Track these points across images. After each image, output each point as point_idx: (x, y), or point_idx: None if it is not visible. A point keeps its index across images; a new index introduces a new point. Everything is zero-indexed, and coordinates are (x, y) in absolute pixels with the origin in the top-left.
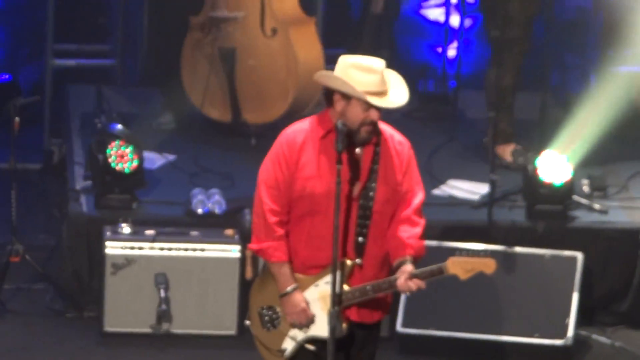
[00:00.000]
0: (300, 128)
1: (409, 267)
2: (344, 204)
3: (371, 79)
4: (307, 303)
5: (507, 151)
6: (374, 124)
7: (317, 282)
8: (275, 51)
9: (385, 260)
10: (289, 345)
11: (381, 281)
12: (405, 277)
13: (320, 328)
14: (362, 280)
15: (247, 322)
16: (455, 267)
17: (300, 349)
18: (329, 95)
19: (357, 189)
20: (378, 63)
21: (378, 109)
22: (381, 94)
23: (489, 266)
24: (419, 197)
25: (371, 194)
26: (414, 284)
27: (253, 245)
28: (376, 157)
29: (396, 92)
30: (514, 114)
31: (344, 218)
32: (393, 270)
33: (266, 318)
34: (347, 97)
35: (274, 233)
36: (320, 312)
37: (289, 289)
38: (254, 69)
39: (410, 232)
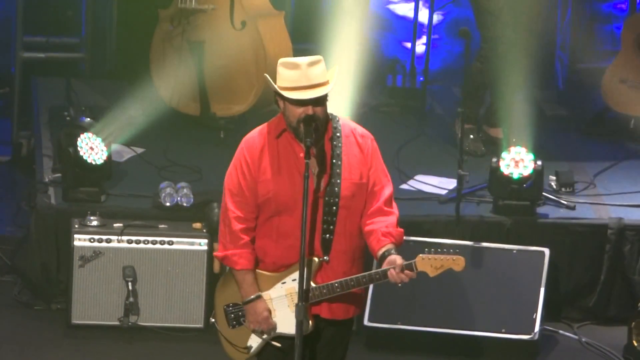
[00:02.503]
0: (259, 132)
1: (399, 259)
2: (310, 201)
3: (292, 75)
4: (270, 311)
5: (499, 132)
6: (316, 120)
7: (284, 280)
8: (244, 44)
9: (355, 256)
10: (254, 343)
11: (368, 274)
12: (398, 270)
13: (287, 325)
14: (332, 277)
15: (212, 320)
16: (424, 264)
17: (266, 345)
18: (275, 97)
19: (321, 185)
20: (305, 59)
21: (318, 104)
22: (304, 88)
23: (458, 264)
24: (388, 189)
25: (336, 189)
26: (406, 276)
27: (218, 254)
28: (334, 152)
29: (321, 86)
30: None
31: (311, 215)
32: (379, 262)
33: (232, 315)
34: (282, 96)
35: (239, 240)
36: (286, 309)
37: (252, 296)
38: (223, 62)
39: (386, 222)
